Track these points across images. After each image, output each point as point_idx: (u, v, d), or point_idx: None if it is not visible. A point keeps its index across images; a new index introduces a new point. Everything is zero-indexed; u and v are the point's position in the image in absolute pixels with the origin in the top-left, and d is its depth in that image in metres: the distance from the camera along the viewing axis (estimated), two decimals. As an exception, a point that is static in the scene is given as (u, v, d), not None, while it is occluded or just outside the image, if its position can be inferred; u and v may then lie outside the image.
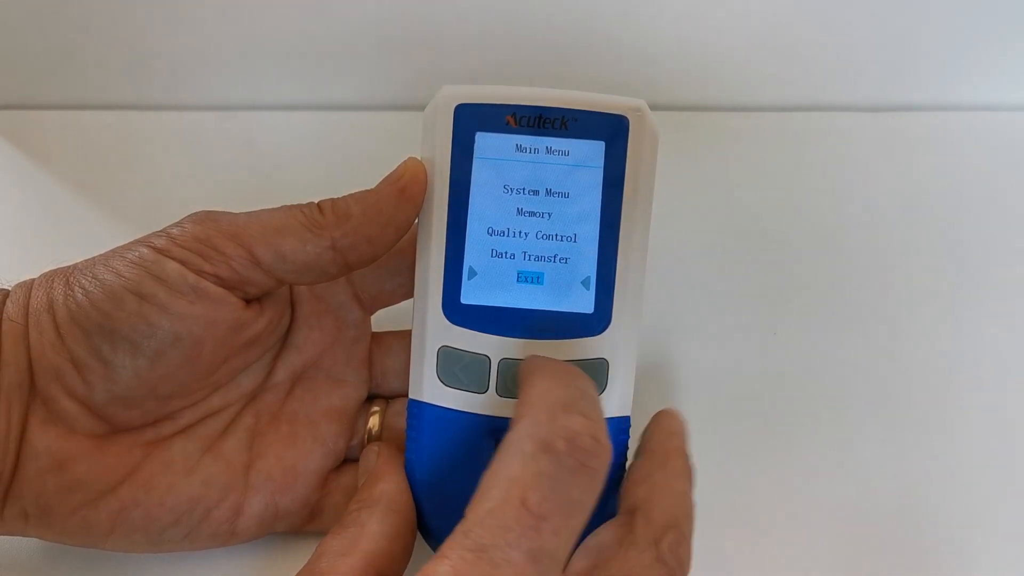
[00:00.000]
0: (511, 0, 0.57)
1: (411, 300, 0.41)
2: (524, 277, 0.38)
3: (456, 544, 0.30)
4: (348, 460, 0.43)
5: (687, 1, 0.57)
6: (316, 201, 0.38)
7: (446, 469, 0.39)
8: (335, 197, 0.38)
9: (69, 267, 0.38)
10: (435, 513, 0.39)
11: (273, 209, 0.38)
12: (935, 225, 0.56)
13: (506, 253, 0.38)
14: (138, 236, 0.38)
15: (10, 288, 0.38)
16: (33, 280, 0.38)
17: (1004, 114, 0.61)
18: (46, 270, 0.38)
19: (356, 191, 0.39)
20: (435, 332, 0.39)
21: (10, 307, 0.37)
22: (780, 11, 0.57)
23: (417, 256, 0.39)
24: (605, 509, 0.38)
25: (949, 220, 0.56)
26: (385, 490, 0.38)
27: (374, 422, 0.43)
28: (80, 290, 0.36)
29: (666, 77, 0.60)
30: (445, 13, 0.57)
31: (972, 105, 0.61)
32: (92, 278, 0.36)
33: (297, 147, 0.60)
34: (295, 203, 0.38)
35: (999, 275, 0.54)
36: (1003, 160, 0.59)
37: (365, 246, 0.38)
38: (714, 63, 0.60)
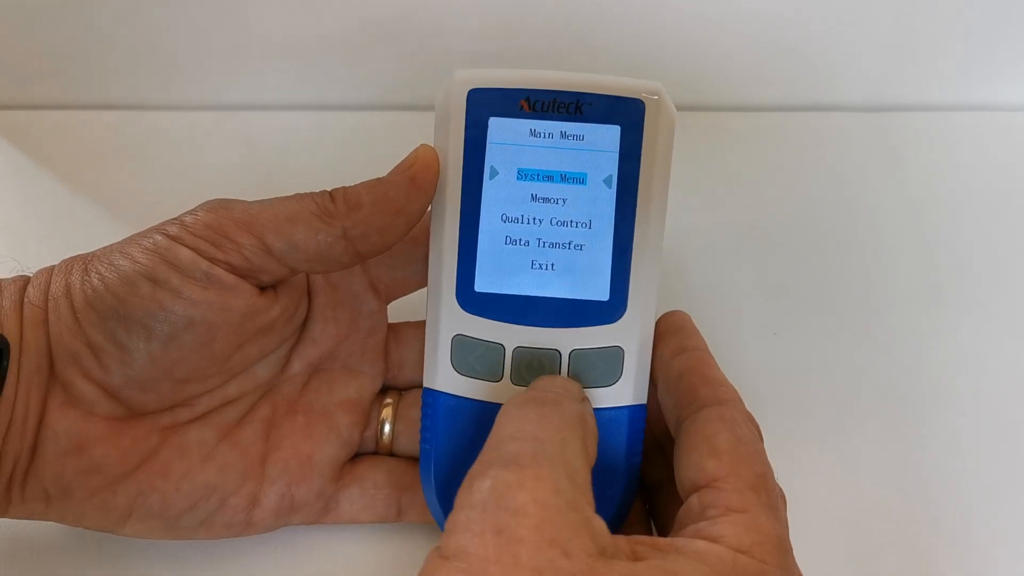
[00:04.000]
0: (510, 2, 0.57)
1: (426, 289, 0.40)
2: (538, 264, 0.38)
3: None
4: (361, 453, 0.43)
5: (688, 2, 0.57)
6: (328, 190, 0.38)
7: (461, 458, 0.39)
8: (347, 186, 0.38)
9: (89, 254, 0.38)
10: (451, 502, 0.38)
11: (285, 197, 0.38)
12: (935, 225, 0.56)
13: (520, 240, 0.38)
14: (138, 236, 0.38)
15: (31, 275, 0.38)
16: (54, 267, 0.38)
17: (1004, 114, 0.61)
18: (67, 256, 0.39)
19: (368, 179, 0.38)
20: (449, 321, 0.39)
21: (31, 292, 0.37)
22: (780, 11, 0.58)
23: (430, 244, 0.39)
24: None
25: (949, 220, 0.56)
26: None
27: (387, 413, 0.43)
28: (96, 276, 0.36)
29: (666, 77, 0.60)
30: (444, 15, 0.58)
31: (973, 105, 0.62)
32: (108, 264, 0.36)
33: (297, 147, 0.60)
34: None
35: (999, 275, 0.54)
36: (1003, 160, 0.60)
37: (376, 235, 0.38)
38: (714, 63, 0.60)
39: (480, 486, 0.30)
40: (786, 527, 0.34)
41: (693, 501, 0.34)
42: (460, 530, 0.29)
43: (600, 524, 0.31)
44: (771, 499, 0.33)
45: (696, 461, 0.34)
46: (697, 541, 0.31)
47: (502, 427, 0.33)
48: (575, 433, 0.33)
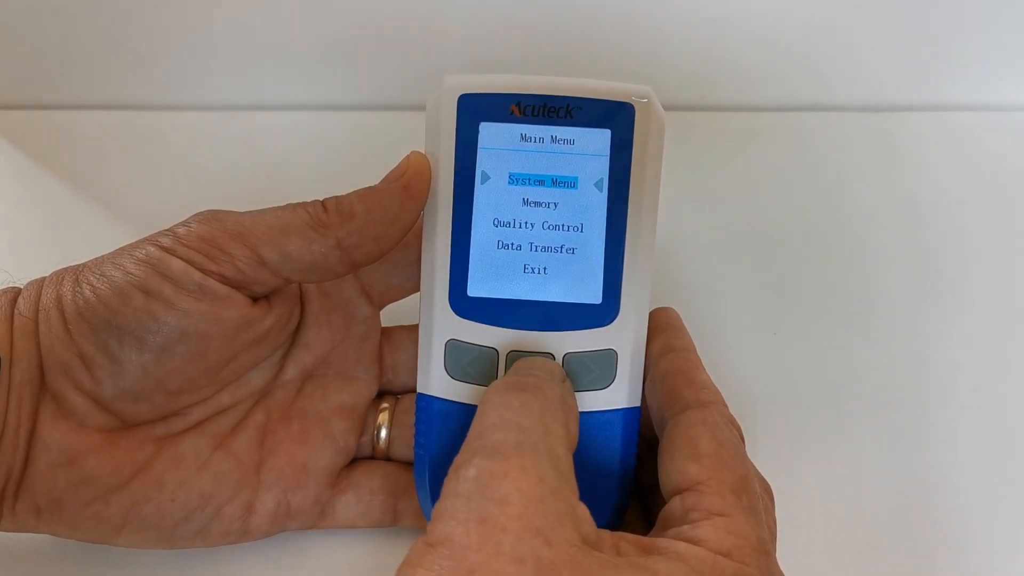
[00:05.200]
0: (511, 3, 0.57)
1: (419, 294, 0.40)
2: (531, 268, 0.38)
3: None
4: (358, 458, 0.43)
5: (688, 2, 0.57)
6: (320, 199, 0.38)
7: None
8: (339, 195, 0.38)
9: (79, 265, 0.38)
10: None
11: (278, 208, 0.38)
12: (935, 225, 0.56)
13: (512, 244, 0.38)
14: (138, 236, 0.38)
15: (22, 287, 0.38)
16: (44, 278, 0.38)
17: (1004, 114, 0.61)
18: (57, 268, 0.38)
19: (360, 188, 0.38)
20: (442, 325, 0.39)
21: (21, 303, 0.37)
22: (780, 11, 0.58)
23: (423, 249, 0.39)
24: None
25: (949, 220, 0.56)
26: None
27: (383, 418, 0.43)
28: (88, 287, 0.36)
29: (667, 77, 0.60)
30: (444, 15, 0.58)
31: (972, 105, 0.62)
32: (100, 275, 0.36)
33: (297, 147, 0.60)
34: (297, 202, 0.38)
35: (998, 275, 0.54)
36: (1003, 160, 0.59)
37: (371, 244, 0.38)
38: (714, 63, 0.60)
39: (465, 475, 0.30)
40: (767, 528, 0.34)
41: (675, 503, 0.34)
42: (445, 518, 0.30)
43: (584, 512, 0.31)
44: (752, 502, 0.33)
45: (678, 464, 0.34)
46: (678, 543, 0.32)
47: (484, 415, 0.33)
48: (557, 419, 0.33)
